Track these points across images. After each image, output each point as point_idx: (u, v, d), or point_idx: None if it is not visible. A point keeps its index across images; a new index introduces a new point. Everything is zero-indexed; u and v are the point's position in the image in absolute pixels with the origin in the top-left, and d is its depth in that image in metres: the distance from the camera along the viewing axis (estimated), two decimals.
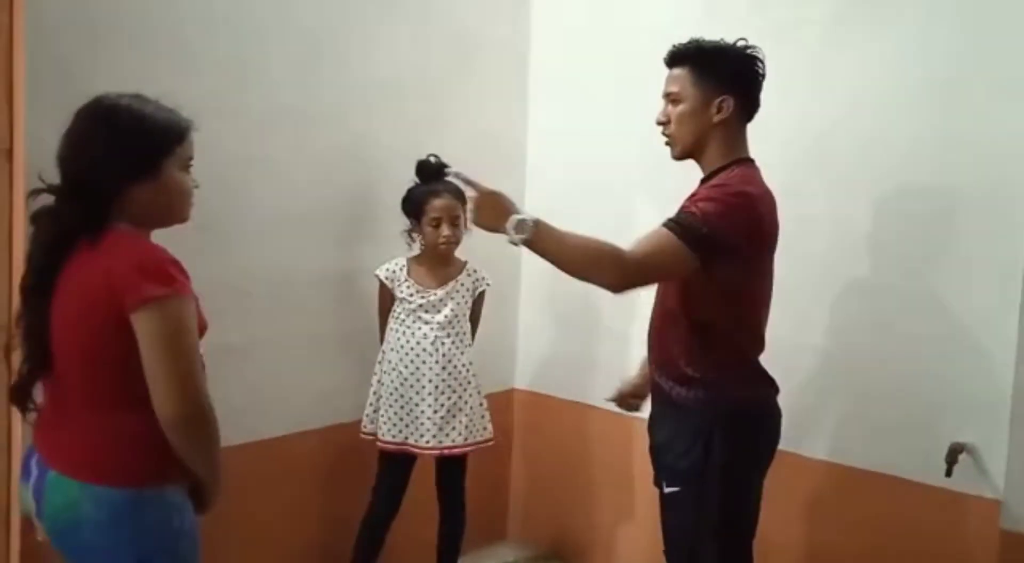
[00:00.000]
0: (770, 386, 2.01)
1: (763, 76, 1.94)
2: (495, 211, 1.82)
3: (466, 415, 2.64)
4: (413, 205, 2.62)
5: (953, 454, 2.23)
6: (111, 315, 1.41)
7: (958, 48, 2.26)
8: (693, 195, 1.92)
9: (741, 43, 1.93)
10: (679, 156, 1.98)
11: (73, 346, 1.47)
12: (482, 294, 2.76)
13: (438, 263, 2.66)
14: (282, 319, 2.61)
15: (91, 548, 1.44)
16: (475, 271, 2.74)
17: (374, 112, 2.78)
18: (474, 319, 2.76)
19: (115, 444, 1.46)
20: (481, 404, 2.71)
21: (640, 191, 2.91)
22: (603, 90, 3.04)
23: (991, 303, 2.23)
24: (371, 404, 2.67)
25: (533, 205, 3.26)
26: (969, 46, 2.25)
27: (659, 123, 1.98)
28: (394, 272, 2.66)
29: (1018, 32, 2.17)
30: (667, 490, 1.98)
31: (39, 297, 1.48)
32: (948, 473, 2.23)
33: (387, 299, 2.68)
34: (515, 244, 1.79)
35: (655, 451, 2.05)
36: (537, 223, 1.77)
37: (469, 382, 2.67)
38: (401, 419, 2.61)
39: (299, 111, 2.58)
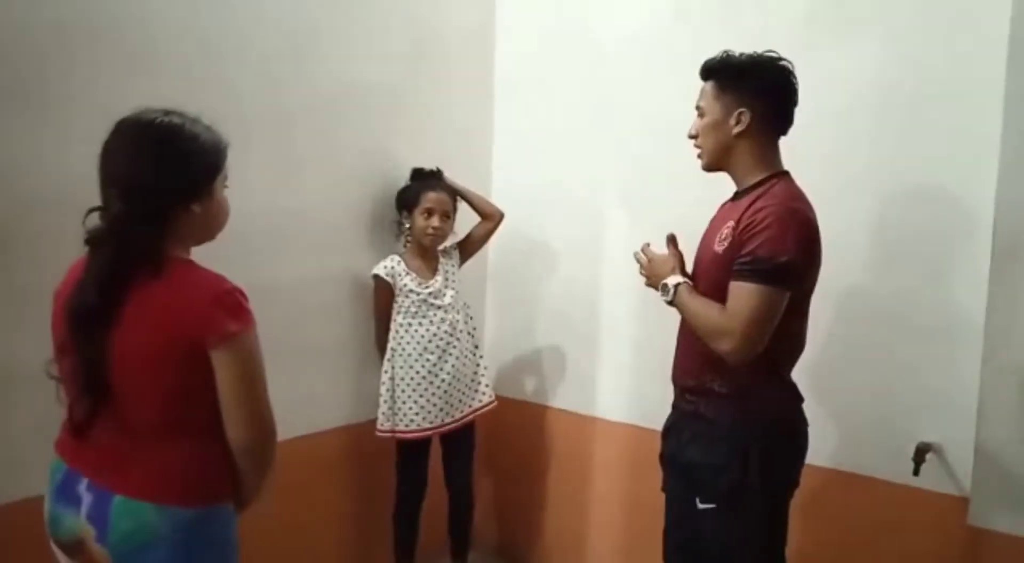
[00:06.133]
0: (798, 398, 1.99)
1: (792, 89, 1.91)
2: (658, 273, 1.99)
3: (466, 385, 2.78)
4: (409, 196, 2.73)
5: (920, 453, 2.24)
6: (192, 350, 1.42)
7: (916, 55, 2.28)
8: (737, 217, 1.84)
9: (770, 55, 1.90)
10: (706, 167, 1.99)
11: (146, 378, 1.44)
12: (455, 245, 2.87)
13: (427, 255, 2.76)
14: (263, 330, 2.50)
15: None
16: (444, 247, 2.82)
17: (340, 116, 2.70)
18: (477, 244, 2.90)
19: (188, 468, 1.49)
20: (475, 371, 2.82)
21: (607, 189, 2.88)
22: (570, 88, 3.01)
23: (956, 304, 2.23)
24: (385, 402, 2.68)
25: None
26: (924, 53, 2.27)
27: (690, 136, 1.99)
28: (393, 268, 2.70)
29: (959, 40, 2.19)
30: (701, 507, 1.91)
31: (99, 325, 1.42)
32: (916, 472, 2.24)
33: (387, 296, 2.70)
34: (668, 303, 1.95)
35: (687, 467, 1.97)
36: (677, 288, 1.92)
37: (476, 346, 2.83)
38: (434, 406, 2.68)
39: (262, 116, 2.47)
